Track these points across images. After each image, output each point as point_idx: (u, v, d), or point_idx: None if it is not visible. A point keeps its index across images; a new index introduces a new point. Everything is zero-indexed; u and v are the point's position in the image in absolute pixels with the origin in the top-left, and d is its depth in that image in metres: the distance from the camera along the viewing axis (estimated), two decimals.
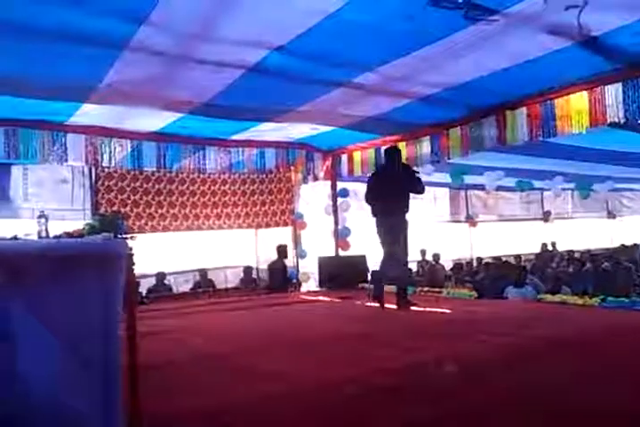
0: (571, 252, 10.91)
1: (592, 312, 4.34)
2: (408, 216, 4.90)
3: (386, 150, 5.24)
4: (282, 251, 7.50)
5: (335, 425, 1.90)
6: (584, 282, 7.63)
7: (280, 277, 7.33)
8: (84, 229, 2.22)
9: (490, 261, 9.26)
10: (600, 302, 4.50)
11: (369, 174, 6.66)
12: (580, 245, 11.99)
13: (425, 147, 5.87)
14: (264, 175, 7.82)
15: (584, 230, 12.97)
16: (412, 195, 4.91)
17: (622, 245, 10.62)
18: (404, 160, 5.48)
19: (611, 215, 13.46)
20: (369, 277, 7.73)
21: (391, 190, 4.77)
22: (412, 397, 2.19)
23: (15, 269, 1.56)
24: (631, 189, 12.49)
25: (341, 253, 7.72)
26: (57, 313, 1.64)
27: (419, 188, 4.88)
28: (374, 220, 4.98)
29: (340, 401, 2.15)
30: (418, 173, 4.96)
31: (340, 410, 2.05)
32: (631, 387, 2.20)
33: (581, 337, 3.30)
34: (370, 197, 5.02)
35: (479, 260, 10.47)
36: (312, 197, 8.39)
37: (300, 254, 7.92)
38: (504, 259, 9.33)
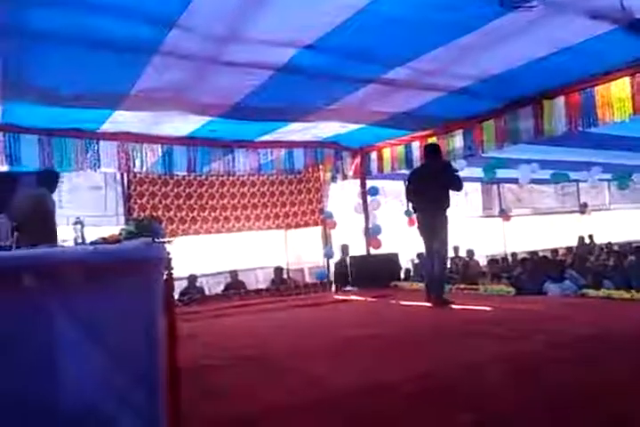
0: (609, 244, 10.55)
1: None
2: (448, 212, 4.91)
3: (425, 147, 5.33)
4: (345, 249, 7.73)
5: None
6: (626, 275, 7.35)
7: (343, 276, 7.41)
8: (120, 234, 2.21)
9: (526, 255, 9.03)
10: None
11: (403, 171, 6.71)
12: (619, 238, 11.59)
13: (458, 141, 5.74)
14: (293, 175, 7.78)
15: (623, 222, 12.53)
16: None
17: None
18: None
19: None
20: (402, 275, 7.68)
21: (431, 187, 4.83)
22: (458, 400, 2.10)
23: (57, 277, 1.55)
24: None
25: (373, 251, 7.64)
26: (99, 321, 1.62)
27: (457, 185, 4.92)
28: (415, 216, 5.12)
29: (378, 406, 2.08)
30: (457, 171, 5.02)
31: (372, 413, 1.98)
32: None
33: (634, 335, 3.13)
34: (410, 195, 5.17)
35: (514, 255, 10.22)
36: (342, 195, 8.33)
37: (329, 254, 7.87)
38: (540, 253, 9.08)
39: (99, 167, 5.83)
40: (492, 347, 3.00)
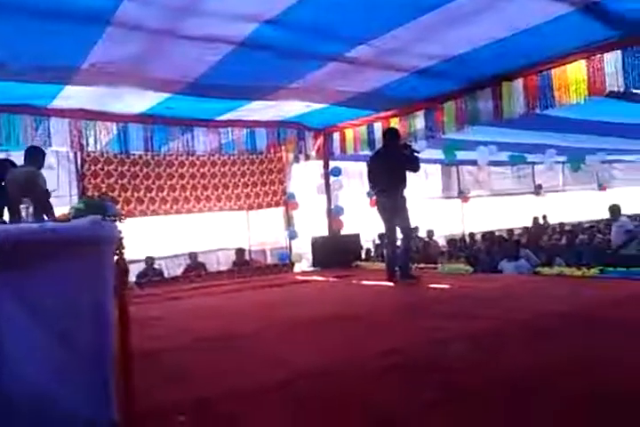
0: (562, 224, 10.96)
1: (593, 284, 4.32)
2: (405, 193, 5.05)
3: (385, 131, 5.48)
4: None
5: (334, 408, 1.84)
6: (578, 253, 7.67)
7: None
8: (69, 214, 2.10)
9: (483, 235, 9.29)
10: (599, 272, 4.49)
11: (366, 152, 6.76)
12: (571, 218, 12.05)
13: (419, 122, 5.76)
14: (255, 156, 7.67)
15: (575, 203, 13.03)
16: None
17: (616, 206, 10.59)
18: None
19: (601, 187, 13.51)
20: (363, 256, 7.76)
21: (388, 169, 4.99)
22: (419, 376, 2.14)
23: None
24: (622, 161, 12.50)
25: (334, 231, 7.66)
26: (44, 301, 1.55)
27: (414, 166, 5.09)
28: (375, 198, 5.27)
29: (342, 384, 2.10)
30: (418, 151, 5.16)
31: (340, 393, 1.99)
32: None
33: (592, 310, 3.26)
34: (370, 177, 5.32)
35: (472, 235, 10.50)
36: (304, 176, 8.28)
37: (291, 235, 7.86)
38: (497, 233, 9.34)
39: (50, 145, 5.56)
40: (453, 324, 3.06)
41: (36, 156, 4.40)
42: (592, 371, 2.06)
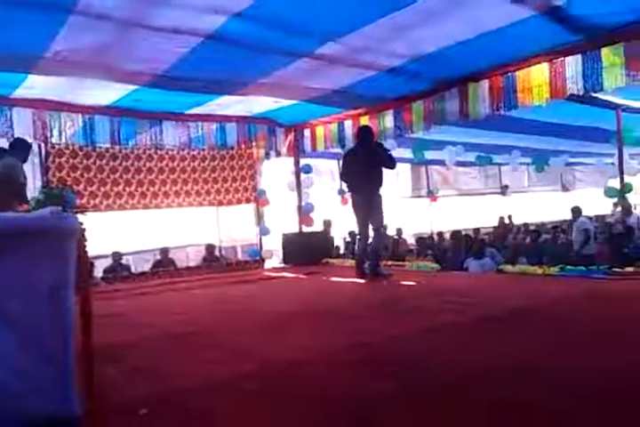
0: (526, 224, 11.26)
1: (552, 281, 4.48)
2: (381, 191, 5.10)
3: (358, 129, 5.48)
4: (327, 224, 8.11)
5: (302, 398, 1.87)
6: (540, 252, 7.92)
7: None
8: (29, 205, 2.07)
9: (450, 234, 9.45)
10: (559, 271, 4.64)
11: (336, 150, 6.81)
12: (535, 218, 12.39)
13: (388, 121, 5.83)
14: (225, 151, 7.62)
15: (539, 203, 13.40)
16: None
17: (578, 208, 10.95)
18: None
19: (565, 188, 13.93)
20: (334, 253, 7.82)
21: (364, 167, 5.00)
22: (383, 369, 2.19)
23: None
24: (584, 164, 12.91)
25: (305, 229, 7.69)
26: (1, 290, 1.52)
27: (391, 163, 5.13)
28: (350, 196, 5.25)
29: (309, 377, 2.13)
30: (389, 150, 5.20)
31: (308, 385, 2.02)
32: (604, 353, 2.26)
33: (548, 305, 3.38)
34: (344, 175, 5.33)
35: (440, 234, 10.68)
36: (274, 173, 8.28)
37: (263, 232, 7.85)
38: (464, 232, 9.53)
39: (12, 135, 5.37)
40: (418, 319, 3.13)
41: (21, 148, 4.49)
42: (539, 366, 2.15)
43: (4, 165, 4.22)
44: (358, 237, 5.37)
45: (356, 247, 5.70)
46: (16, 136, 5.16)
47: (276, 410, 1.74)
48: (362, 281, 5.00)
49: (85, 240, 1.83)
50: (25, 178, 4.49)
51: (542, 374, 1.98)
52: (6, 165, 4.23)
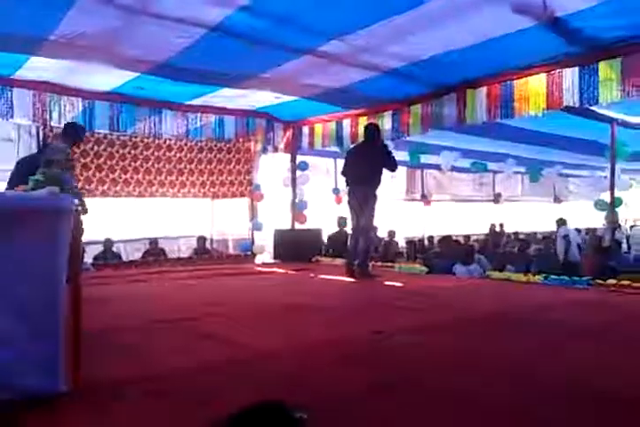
0: (517, 233, 11.36)
1: (534, 289, 4.56)
2: (378, 191, 5.09)
3: (365, 127, 5.43)
4: (342, 222, 7.75)
5: (281, 387, 1.91)
6: (528, 261, 8.01)
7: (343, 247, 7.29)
8: (28, 186, 2.10)
9: (439, 239, 9.54)
10: (543, 279, 4.72)
11: (333, 148, 6.84)
12: (526, 228, 12.50)
13: (386, 122, 5.87)
14: (222, 144, 7.64)
15: (531, 213, 13.51)
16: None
17: (562, 219, 11.10)
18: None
19: (557, 200, 14.05)
20: (323, 251, 7.87)
21: (365, 165, 5.00)
22: (365, 364, 2.24)
23: None
24: (577, 176, 13.03)
25: (298, 226, 7.73)
26: None
27: (393, 165, 5.13)
28: (347, 190, 5.25)
29: (294, 367, 2.18)
30: (391, 152, 5.18)
31: (292, 375, 2.07)
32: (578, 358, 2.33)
33: (528, 311, 3.46)
34: (345, 169, 5.30)
35: (430, 238, 10.76)
36: (270, 168, 8.31)
37: (256, 226, 7.88)
38: (454, 238, 9.62)
39: (11, 117, 5.42)
40: (400, 318, 3.19)
41: (70, 132, 4.58)
42: (512, 364, 2.22)
43: (49, 149, 4.37)
44: (351, 234, 5.40)
45: (348, 245, 5.71)
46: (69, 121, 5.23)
47: (257, 395, 1.78)
48: (350, 280, 5.05)
49: (81, 222, 1.87)
50: (68, 160, 4.58)
51: (514, 370, 2.04)
52: (50, 149, 4.36)
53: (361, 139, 5.56)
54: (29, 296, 1.66)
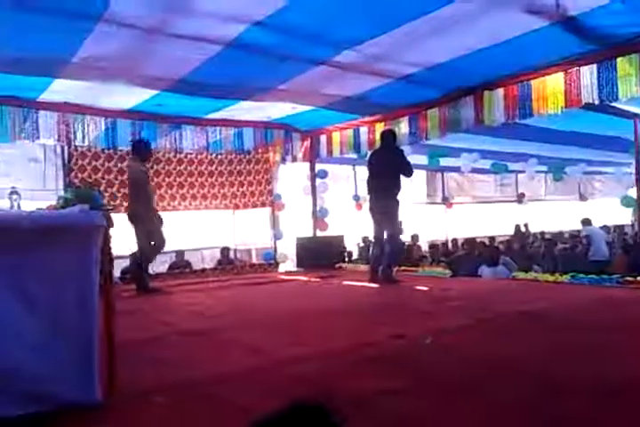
0: (542, 233, 11.18)
1: (561, 288, 4.49)
2: (399, 197, 5.10)
3: (382, 133, 5.48)
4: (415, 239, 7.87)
5: (309, 394, 1.93)
6: (555, 261, 7.88)
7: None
8: (57, 204, 2.18)
9: (463, 242, 9.46)
10: (570, 278, 4.65)
11: (352, 155, 6.86)
12: (552, 227, 12.29)
13: (403, 127, 5.88)
14: (242, 155, 7.75)
15: (556, 212, 13.28)
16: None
17: (588, 219, 10.90)
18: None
19: (582, 198, 13.79)
20: (346, 257, 7.87)
21: (384, 172, 5.03)
22: (390, 368, 2.24)
23: None
24: (602, 173, 12.79)
25: (319, 233, 7.76)
26: (32, 283, 1.62)
27: (409, 171, 5.14)
28: (368, 198, 5.27)
29: (319, 372, 2.20)
30: (406, 157, 5.17)
31: (317, 380, 2.09)
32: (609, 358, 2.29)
33: (556, 310, 3.41)
34: (367, 178, 5.32)
35: (454, 241, 10.67)
36: (290, 178, 8.38)
37: (278, 235, 7.94)
38: (478, 240, 9.51)
39: (37, 138, 5.59)
40: (425, 321, 3.19)
41: (137, 150, 5.14)
42: (545, 366, 2.19)
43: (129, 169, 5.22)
44: (373, 241, 5.40)
45: (370, 252, 5.71)
46: (136, 138, 5.72)
47: (283, 397, 1.80)
48: (374, 285, 5.05)
49: (110, 237, 1.93)
50: (144, 175, 5.10)
51: (546, 374, 2.02)
52: (128, 168, 5.18)
53: (378, 145, 5.58)
54: (65, 308, 1.73)
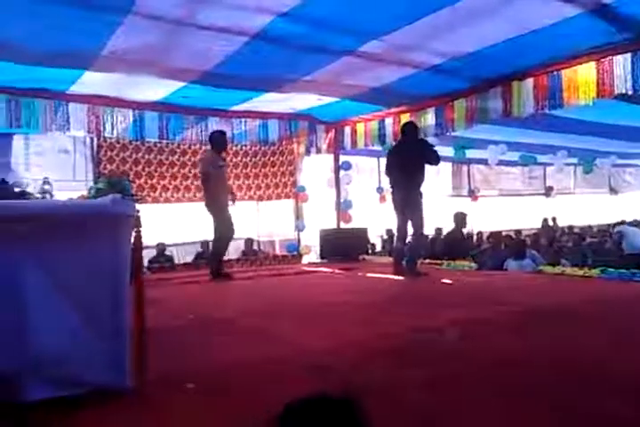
0: (571, 227, 10.96)
1: (590, 282, 4.41)
2: (422, 189, 5.06)
3: (403, 125, 5.45)
4: (460, 219, 7.49)
5: (333, 383, 1.95)
6: (582, 255, 7.73)
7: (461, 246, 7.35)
8: (89, 193, 2.23)
9: (488, 235, 9.34)
10: (600, 273, 4.56)
11: (376, 147, 6.83)
12: (581, 221, 12.02)
13: (430, 118, 5.82)
14: (266, 147, 7.78)
15: (586, 206, 12.98)
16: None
17: (622, 220, 10.66)
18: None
19: (613, 191, 13.45)
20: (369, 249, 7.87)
21: (406, 163, 4.98)
22: (412, 359, 2.25)
23: (26, 227, 1.59)
24: (634, 165, 12.44)
25: (343, 225, 7.77)
26: (67, 270, 1.67)
27: (436, 159, 5.08)
28: (391, 191, 5.26)
29: (341, 361, 2.21)
30: (433, 145, 5.15)
31: (341, 370, 2.10)
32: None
33: (577, 304, 3.36)
34: (387, 170, 5.32)
35: (479, 234, 10.54)
36: (314, 169, 8.39)
37: (301, 227, 7.98)
38: (504, 233, 9.38)
39: (68, 129, 5.72)
40: (449, 314, 3.17)
41: (215, 141, 5.27)
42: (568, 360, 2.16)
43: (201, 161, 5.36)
44: (397, 234, 5.38)
45: (394, 244, 5.69)
46: (215, 129, 5.84)
47: (309, 387, 1.83)
48: (398, 278, 5.04)
49: (141, 227, 1.97)
50: (215, 167, 5.19)
51: (571, 366, 2.00)
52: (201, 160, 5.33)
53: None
54: (97, 296, 1.77)
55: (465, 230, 7.83)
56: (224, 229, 5.23)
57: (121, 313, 1.81)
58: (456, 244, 7.37)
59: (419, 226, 5.08)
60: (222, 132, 5.50)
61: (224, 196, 5.31)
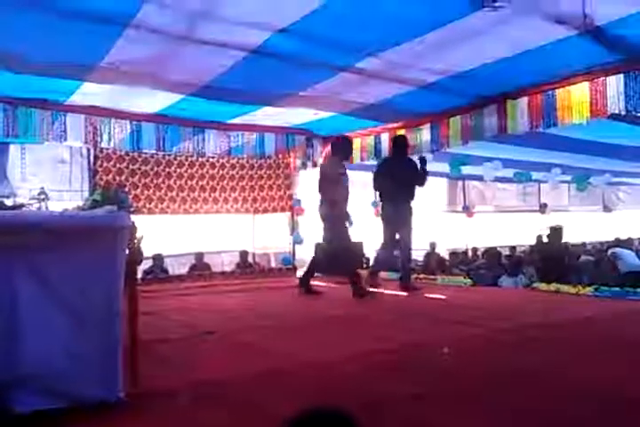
0: (565, 244, 10.98)
1: (584, 300, 4.41)
2: (412, 204, 5.11)
3: (393, 139, 5.53)
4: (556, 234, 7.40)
5: (330, 393, 1.94)
6: (577, 272, 7.75)
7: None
8: (84, 204, 2.23)
9: (483, 251, 9.37)
10: (593, 291, 4.57)
11: (371, 162, 6.88)
12: (574, 238, 12.06)
13: (425, 135, 5.87)
14: (263, 160, 7.81)
15: (580, 223, 13.04)
16: None
17: (617, 238, 10.71)
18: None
19: (607, 209, 13.53)
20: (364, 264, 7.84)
21: (396, 178, 5.02)
22: (407, 374, 2.24)
23: (20, 238, 1.59)
24: (627, 184, 12.54)
25: None
26: (60, 280, 1.67)
27: (422, 180, 5.16)
28: (381, 206, 5.34)
29: (337, 376, 2.20)
30: (425, 162, 5.21)
31: (335, 384, 2.09)
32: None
33: (574, 323, 3.36)
34: (377, 185, 5.35)
35: (474, 250, 10.56)
36: (310, 183, 8.40)
37: (297, 240, 7.96)
38: (499, 249, 9.42)
39: (65, 140, 5.73)
40: (443, 329, 3.18)
41: (337, 147, 5.12)
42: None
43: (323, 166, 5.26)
44: (382, 244, 5.36)
45: (376, 255, 5.66)
46: (338, 135, 5.85)
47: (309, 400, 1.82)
48: (396, 293, 5.01)
49: (136, 237, 1.97)
50: (340, 174, 5.02)
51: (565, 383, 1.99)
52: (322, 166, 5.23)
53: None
54: (90, 307, 1.77)
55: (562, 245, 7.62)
56: (335, 239, 4.98)
57: (114, 324, 1.80)
58: (553, 261, 7.23)
59: (407, 241, 5.09)
60: (348, 139, 5.29)
61: (338, 206, 5.01)
